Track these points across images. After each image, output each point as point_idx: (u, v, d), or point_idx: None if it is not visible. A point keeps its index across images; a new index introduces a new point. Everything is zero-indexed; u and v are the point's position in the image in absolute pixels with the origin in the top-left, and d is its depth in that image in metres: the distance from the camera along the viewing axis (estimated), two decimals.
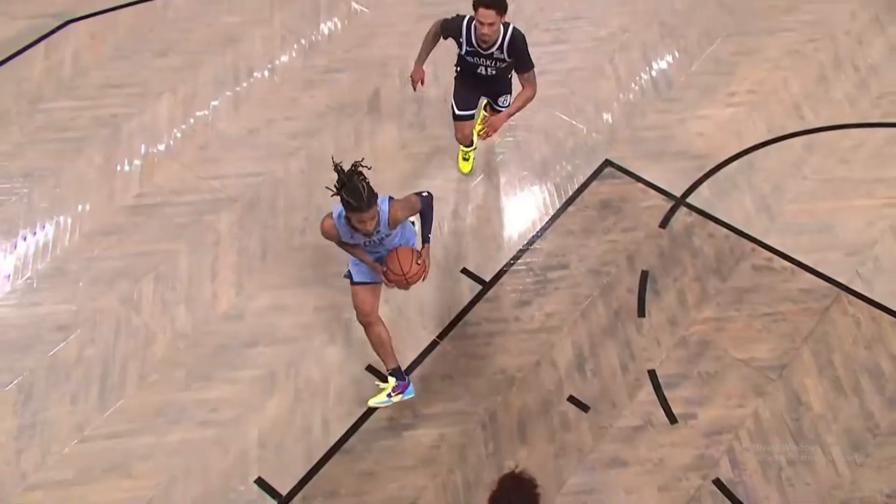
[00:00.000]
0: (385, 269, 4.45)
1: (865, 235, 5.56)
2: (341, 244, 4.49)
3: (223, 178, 5.96)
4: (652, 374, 4.98)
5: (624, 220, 5.66)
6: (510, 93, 5.42)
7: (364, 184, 4.00)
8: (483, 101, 5.59)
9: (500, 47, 4.98)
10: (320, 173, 5.92)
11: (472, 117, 5.51)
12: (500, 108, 5.44)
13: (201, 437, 4.80)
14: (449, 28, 5.09)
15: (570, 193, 5.82)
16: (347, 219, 4.18)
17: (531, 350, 5.10)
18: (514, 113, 5.27)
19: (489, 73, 5.19)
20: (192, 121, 6.27)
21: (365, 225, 4.11)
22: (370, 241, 4.39)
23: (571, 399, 4.89)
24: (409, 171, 5.93)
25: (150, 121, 6.27)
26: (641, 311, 5.25)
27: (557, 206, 5.75)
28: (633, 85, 6.41)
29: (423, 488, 4.60)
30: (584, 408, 4.85)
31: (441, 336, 5.19)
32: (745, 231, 5.58)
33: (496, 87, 5.37)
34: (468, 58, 5.12)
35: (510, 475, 3.35)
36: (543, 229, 5.62)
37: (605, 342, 5.12)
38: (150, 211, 5.80)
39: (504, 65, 5.09)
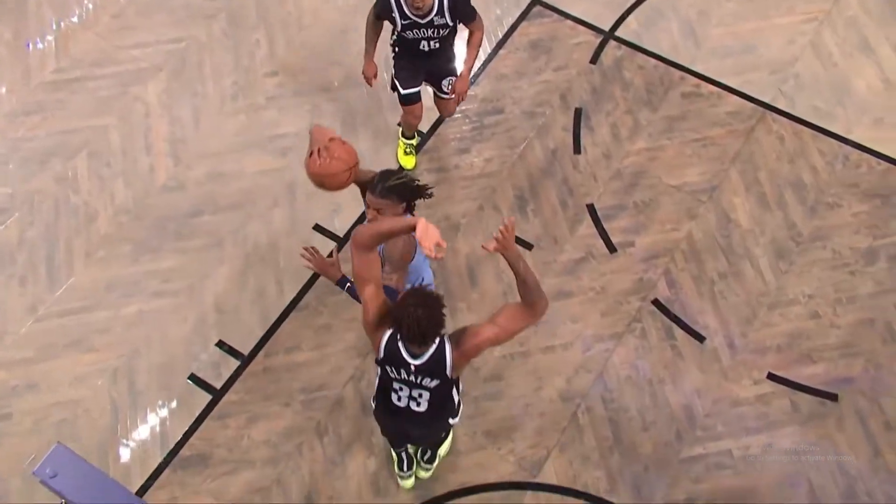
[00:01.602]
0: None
1: (786, 53, 5.69)
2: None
3: (143, 46, 5.74)
4: (590, 208, 5.16)
5: (555, 59, 5.67)
6: (455, 73, 4.93)
7: None
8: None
9: (440, 10, 4.50)
10: (244, 34, 5.75)
11: (419, 97, 4.98)
12: (445, 94, 4.96)
13: (157, 308, 4.88)
14: (380, 6, 4.58)
15: (500, 37, 5.78)
16: None
17: (473, 196, 5.22)
18: (472, 64, 4.73)
19: (433, 48, 4.68)
20: None
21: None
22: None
23: (516, 239, 5.07)
24: (339, 24, 5.82)
25: None
26: (577, 148, 5.37)
27: (489, 50, 5.72)
28: None
29: None
30: (528, 246, 5.04)
31: None
32: (673, 59, 5.66)
33: (440, 65, 4.87)
34: (407, 33, 4.59)
35: (414, 290, 3.27)
36: (476, 76, 5.61)
37: (544, 182, 5.26)
38: (71, 86, 5.59)
39: (447, 31, 4.61)
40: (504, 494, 4.34)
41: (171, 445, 4.49)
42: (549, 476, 4.40)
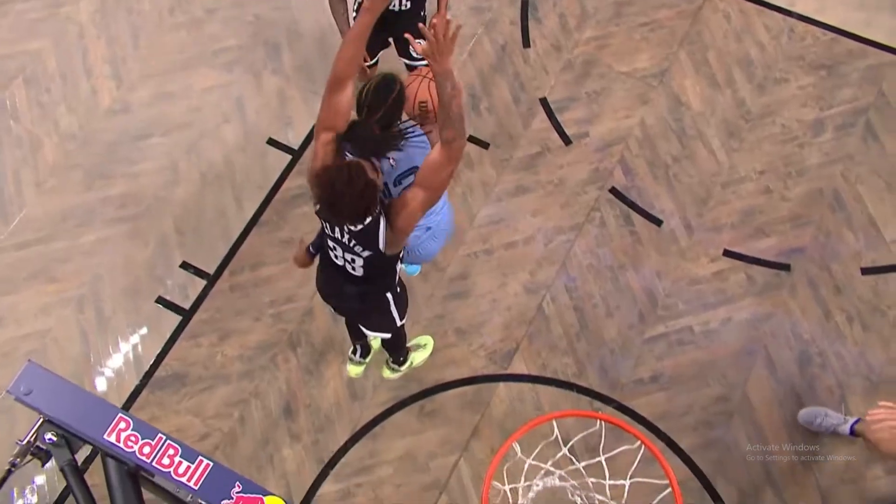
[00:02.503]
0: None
1: None
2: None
3: None
4: (543, 102, 5.16)
5: None
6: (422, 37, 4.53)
7: None
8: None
9: None
10: None
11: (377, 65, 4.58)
12: (415, 61, 4.49)
13: (116, 234, 4.84)
14: None
15: None
16: None
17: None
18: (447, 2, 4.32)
19: (402, 6, 4.21)
20: None
21: None
22: None
23: (471, 139, 5.08)
24: None
25: None
26: (526, 42, 5.32)
27: None
28: None
29: None
30: (484, 145, 5.05)
31: None
32: None
33: (408, 28, 4.12)
34: None
35: (348, 164, 3.01)
36: None
37: (496, 78, 5.22)
38: None
39: None
40: (477, 388, 4.48)
41: (146, 368, 4.53)
42: (519, 367, 4.54)
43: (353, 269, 3.40)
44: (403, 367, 4.54)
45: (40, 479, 4.28)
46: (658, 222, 4.84)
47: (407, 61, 4.56)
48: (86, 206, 4.89)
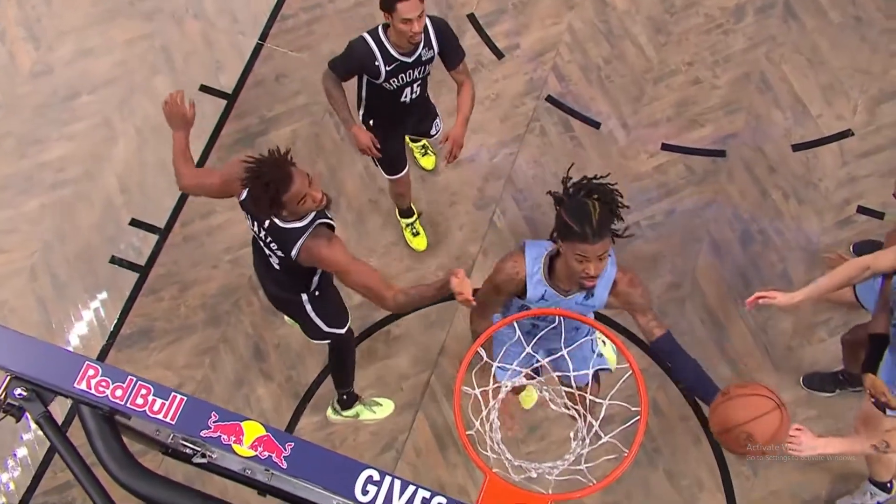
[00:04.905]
0: None
1: None
2: None
3: None
4: (471, 18, 5.16)
5: None
6: (438, 114, 4.33)
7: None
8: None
9: (427, 41, 3.79)
10: None
11: (406, 160, 4.34)
12: (432, 137, 4.44)
13: (59, 199, 4.77)
14: (352, 60, 3.81)
15: None
16: None
17: (355, 28, 5.07)
18: (469, 115, 4.00)
19: (414, 96, 3.98)
20: None
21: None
22: None
23: None
24: None
25: None
26: None
27: None
28: None
29: None
30: None
31: (262, 38, 5.13)
32: None
33: (423, 113, 4.22)
34: (389, 83, 3.84)
35: (271, 158, 3.11)
36: None
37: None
38: None
39: (430, 67, 3.92)
40: (440, 307, 4.56)
41: (111, 328, 4.54)
42: (478, 281, 4.62)
43: (271, 262, 3.52)
44: (345, 414, 4.32)
45: (21, 452, 4.32)
46: (596, 125, 4.95)
47: (428, 139, 4.59)
48: (23, 174, 4.80)
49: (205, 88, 4.98)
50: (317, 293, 3.67)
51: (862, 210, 4.70)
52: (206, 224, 4.73)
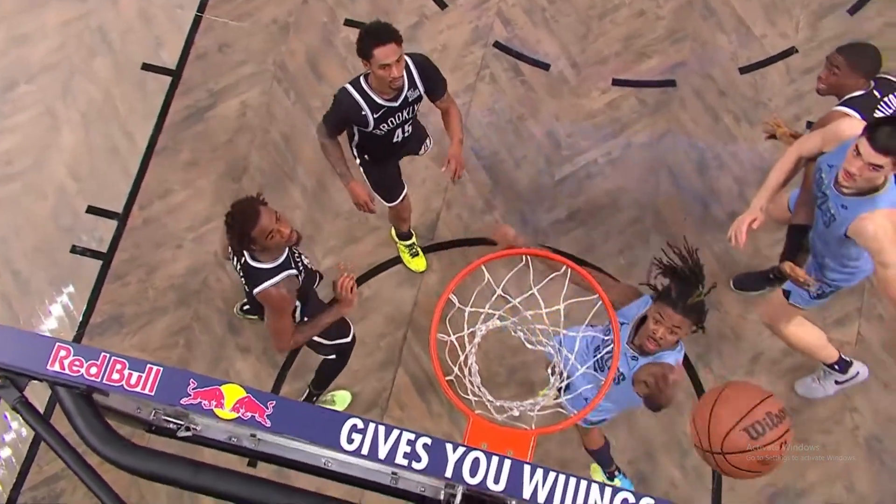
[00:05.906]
0: None
1: None
2: None
3: None
4: None
5: None
6: (429, 135, 4.28)
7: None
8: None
9: (411, 82, 3.70)
10: None
11: (404, 187, 4.28)
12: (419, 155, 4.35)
13: (10, 193, 4.68)
14: (339, 114, 3.74)
15: None
16: None
17: None
18: (462, 136, 3.91)
19: (406, 134, 3.94)
20: None
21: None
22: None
23: (348, 23, 5.02)
24: None
25: None
26: None
27: None
28: None
29: (246, 156, 4.79)
30: (360, 25, 4.99)
31: (201, 9, 5.03)
32: None
33: (415, 140, 4.13)
34: (380, 129, 3.78)
35: (248, 199, 3.30)
36: None
37: None
38: None
39: (418, 106, 3.84)
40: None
41: (80, 318, 4.50)
42: (444, 234, 4.69)
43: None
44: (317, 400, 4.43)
45: (4, 453, 4.29)
46: (546, 67, 4.95)
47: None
48: None
49: (147, 66, 4.89)
50: (305, 319, 3.68)
51: (811, 124, 4.78)
52: (165, 204, 4.68)
